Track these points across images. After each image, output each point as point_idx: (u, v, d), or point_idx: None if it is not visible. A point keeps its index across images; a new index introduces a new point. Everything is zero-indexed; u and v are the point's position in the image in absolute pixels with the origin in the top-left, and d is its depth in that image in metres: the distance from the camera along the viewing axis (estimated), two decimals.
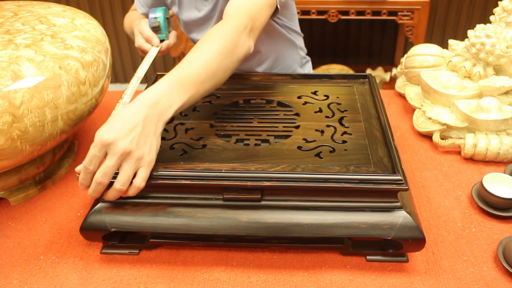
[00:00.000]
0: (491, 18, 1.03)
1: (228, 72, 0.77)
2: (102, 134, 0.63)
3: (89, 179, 0.66)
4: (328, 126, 0.80)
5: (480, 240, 0.74)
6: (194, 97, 0.71)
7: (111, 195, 0.66)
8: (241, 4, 0.84)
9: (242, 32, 0.79)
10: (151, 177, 0.67)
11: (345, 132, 0.78)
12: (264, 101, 0.89)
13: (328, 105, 0.86)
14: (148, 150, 0.65)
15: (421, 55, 1.07)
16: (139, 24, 1.13)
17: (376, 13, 2.01)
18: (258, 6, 0.85)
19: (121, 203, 0.70)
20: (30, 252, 0.75)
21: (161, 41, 1.08)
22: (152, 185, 0.68)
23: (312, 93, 0.91)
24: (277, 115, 0.84)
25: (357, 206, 0.67)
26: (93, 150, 0.64)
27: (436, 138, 0.94)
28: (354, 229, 0.66)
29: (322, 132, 0.78)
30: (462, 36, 2.43)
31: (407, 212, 0.67)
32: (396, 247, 0.70)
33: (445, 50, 1.09)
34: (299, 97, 0.89)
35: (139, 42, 1.09)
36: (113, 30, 2.60)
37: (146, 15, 1.30)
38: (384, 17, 2.02)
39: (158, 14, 1.07)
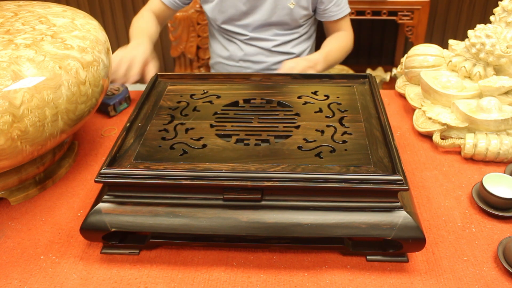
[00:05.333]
0: (491, 18, 1.03)
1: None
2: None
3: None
4: (328, 126, 0.80)
5: (480, 240, 0.74)
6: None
7: None
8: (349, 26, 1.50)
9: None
10: (151, 176, 0.67)
11: (345, 132, 0.78)
12: (264, 101, 0.89)
13: (328, 105, 0.86)
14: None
15: (421, 55, 1.07)
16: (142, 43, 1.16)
17: (376, 13, 2.01)
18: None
19: (121, 203, 0.70)
20: (30, 252, 0.75)
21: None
22: (152, 185, 0.68)
23: (312, 93, 0.91)
24: (277, 115, 0.84)
25: (357, 206, 0.67)
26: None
27: (436, 138, 0.94)
28: (354, 229, 0.66)
29: (322, 132, 0.78)
30: (462, 36, 2.43)
31: (407, 212, 0.67)
32: (396, 247, 0.70)
33: (445, 50, 1.09)
34: (299, 97, 0.89)
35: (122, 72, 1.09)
36: (113, 30, 2.61)
37: (168, 6, 1.30)
38: (384, 17, 2.01)
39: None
